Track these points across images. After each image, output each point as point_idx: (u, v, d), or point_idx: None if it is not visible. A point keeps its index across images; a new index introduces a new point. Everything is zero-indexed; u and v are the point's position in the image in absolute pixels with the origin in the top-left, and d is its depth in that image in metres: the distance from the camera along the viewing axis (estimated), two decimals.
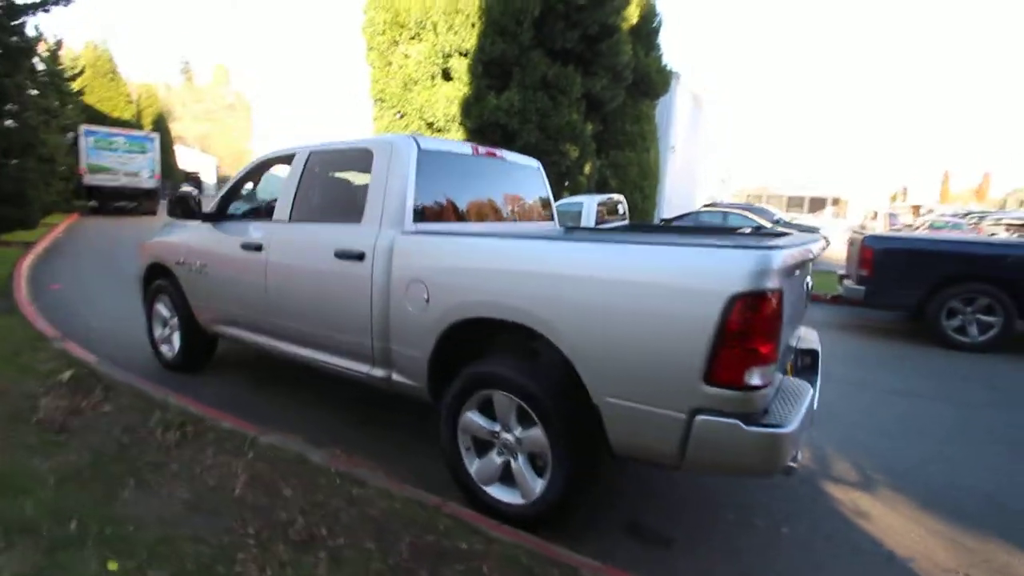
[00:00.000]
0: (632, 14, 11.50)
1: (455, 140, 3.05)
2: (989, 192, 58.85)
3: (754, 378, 1.68)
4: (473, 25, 10.34)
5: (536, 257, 2.06)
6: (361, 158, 2.88)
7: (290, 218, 3.10)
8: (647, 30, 12.56)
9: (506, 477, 2.28)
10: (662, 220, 15.55)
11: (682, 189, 20.40)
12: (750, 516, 2.45)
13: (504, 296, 2.10)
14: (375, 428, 3.27)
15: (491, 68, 10.55)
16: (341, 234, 2.77)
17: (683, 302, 1.74)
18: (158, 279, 4.04)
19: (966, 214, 30.83)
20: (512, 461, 2.25)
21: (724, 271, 1.69)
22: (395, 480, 2.43)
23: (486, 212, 3.17)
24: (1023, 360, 5.20)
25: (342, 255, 2.70)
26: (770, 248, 1.70)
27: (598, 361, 1.91)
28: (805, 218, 18.48)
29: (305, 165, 3.14)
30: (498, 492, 2.28)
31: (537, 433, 2.11)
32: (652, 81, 12.80)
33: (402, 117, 13.54)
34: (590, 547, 2.10)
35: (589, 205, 7.79)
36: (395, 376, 2.62)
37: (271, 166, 3.69)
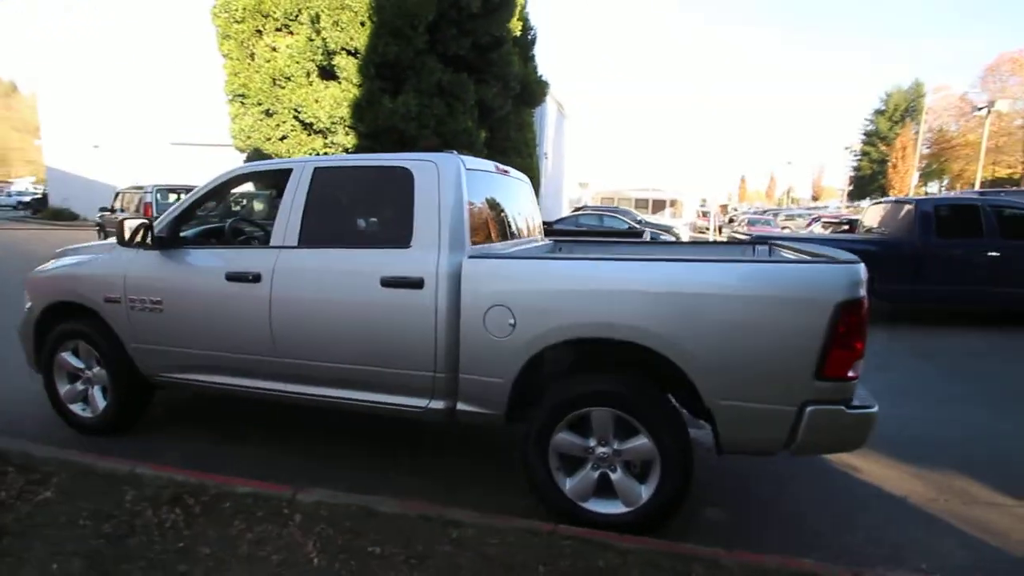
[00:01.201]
0: (516, 26, 11.94)
1: (479, 159, 2.98)
2: (775, 192, 72.63)
3: (853, 370, 2.01)
4: (363, 24, 9.82)
5: (647, 278, 2.17)
6: (393, 176, 2.68)
7: (300, 243, 2.75)
8: (524, 41, 13.14)
9: (600, 489, 2.35)
10: (544, 224, 16.35)
11: (552, 194, 21.68)
12: (766, 484, 2.85)
13: (616, 316, 2.17)
14: (391, 465, 3.06)
15: (384, 70, 10.13)
16: (385, 260, 2.55)
17: (796, 312, 2.00)
18: (63, 322, 3.24)
19: (764, 211, 37.94)
20: (610, 473, 2.32)
21: (829, 283, 1.99)
22: (489, 513, 2.34)
23: (507, 229, 3.16)
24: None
25: (392, 283, 2.49)
26: (854, 262, 2.04)
27: (714, 369, 2.09)
28: (656, 218, 20.97)
29: (311, 183, 2.81)
30: (597, 505, 2.34)
31: (641, 443, 2.23)
32: (532, 91, 13.42)
33: (271, 115, 12.28)
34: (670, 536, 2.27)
35: None
36: (461, 406, 2.50)
37: (244, 182, 3.19)
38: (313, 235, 2.75)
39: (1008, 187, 26.06)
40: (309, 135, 12.12)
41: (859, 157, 46.49)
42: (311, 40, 10.91)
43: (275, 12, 11.52)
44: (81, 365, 3.27)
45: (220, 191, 3.15)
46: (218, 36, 12.31)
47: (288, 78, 11.68)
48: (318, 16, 10.11)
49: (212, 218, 3.75)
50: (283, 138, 12.34)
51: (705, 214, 26.27)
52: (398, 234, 2.58)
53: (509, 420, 2.46)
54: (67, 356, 3.27)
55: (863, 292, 1.99)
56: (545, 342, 2.28)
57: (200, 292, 2.89)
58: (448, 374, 2.48)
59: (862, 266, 2.03)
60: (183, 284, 2.94)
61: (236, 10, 11.78)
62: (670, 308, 2.12)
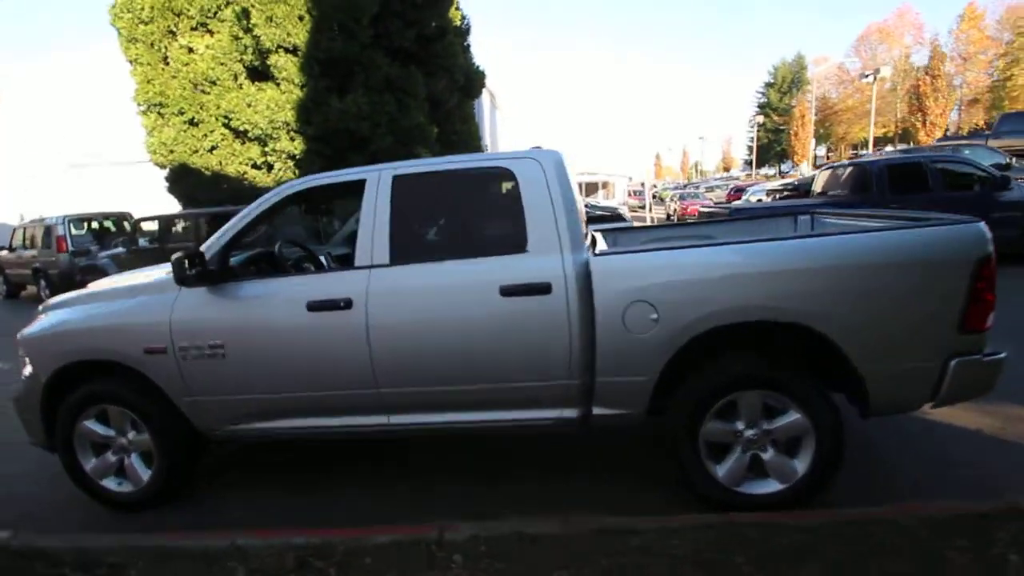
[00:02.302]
0: (455, 15, 11.64)
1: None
2: (687, 167, 76.91)
3: (989, 320, 2.16)
4: (301, 18, 9.14)
5: (799, 256, 2.20)
6: (491, 178, 2.52)
7: (393, 260, 2.51)
8: (460, 31, 12.86)
9: (750, 471, 2.37)
10: None
11: None
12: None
13: (770, 298, 2.18)
14: (490, 480, 2.92)
15: (329, 68, 9.52)
16: (501, 268, 2.40)
17: (940, 272, 2.12)
18: (82, 385, 2.78)
19: (686, 185, 40.02)
20: (761, 453, 2.35)
21: (967, 242, 2.12)
22: (659, 518, 2.29)
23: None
24: None
25: (515, 291, 2.35)
26: (977, 221, 2.18)
27: (867, 338, 2.17)
28: (594, 201, 21.42)
29: (393, 193, 2.57)
30: (751, 487, 2.36)
31: (793, 419, 2.27)
32: (473, 81, 13.20)
33: (196, 125, 11.19)
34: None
35: None
36: (598, 411, 2.42)
37: (299, 201, 2.87)
38: (407, 250, 2.53)
39: (883, 146, 29.01)
40: (243, 143, 11.17)
41: (755, 128, 50.15)
42: (237, 39, 10.01)
43: (189, 10, 10.45)
44: (111, 432, 2.81)
45: (271, 213, 2.81)
46: (122, 40, 10.99)
47: (213, 82, 10.66)
48: (246, 12, 9.28)
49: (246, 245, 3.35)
50: (212, 149, 11.30)
51: (638, 193, 27.29)
52: (510, 239, 2.44)
53: (648, 416, 2.42)
54: (91, 425, 2.80)
55: (992, 247, 2.13)
56: (692, 332, 2.25)
57: (274, 328, 2.58)
58: (583, 380, 2.38)
59: (984, 224, 2.17)
60: (251, 321, 2.61)
61: (142, 9, 10.56)
62: (824, 284, 2.16)
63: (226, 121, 10.89)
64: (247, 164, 11.26)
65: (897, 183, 6.89)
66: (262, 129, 10.23)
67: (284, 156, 10.60)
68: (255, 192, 11.33)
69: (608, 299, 2.30)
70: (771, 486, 2.35)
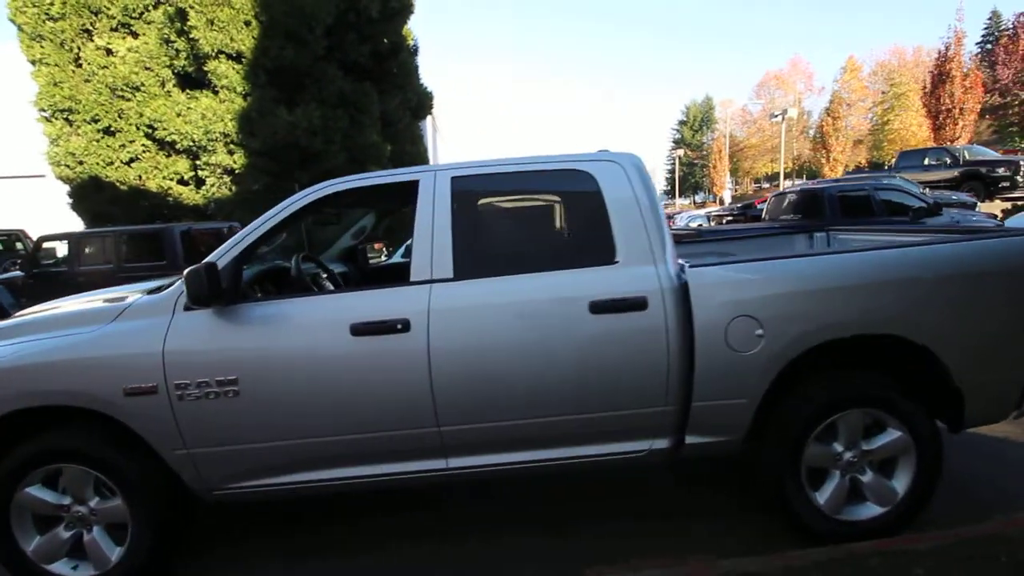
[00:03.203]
0: (408, 35, 11.38)
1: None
2: None
3: None
4: (248, 24, 8.45)
5: (913, 265, 2.12)
6: (567, 182, 2.27)
7: (457, 274, 2.17)
8: (411, 51, 12.60)
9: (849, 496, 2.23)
10: None
11: None
12: None
13: (878, 309, 2.07)
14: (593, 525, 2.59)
15: (278, 77, 8.85)
16: (588, 282, 2.13)
17: None
18: (27, 441, 2.16)
19: None
20: (860, 476, 2.22)
21: None
22: (782, 555, 2.06)
23: None
24: None
25: (607, 307, 2.09)
26: None
27: (964, 348, 2.11)
28: None
29: (453, 197, 2.24)
30: (852, 513, 2.22)
31: (894, 437, 2.16)
32: (422, 101, 12.92)
33: (112, 134, 9.97)
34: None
35: None
36: (691, 439, 2.19)
37: (331, 204, 2.44)
38: (473, 263, 2.19)
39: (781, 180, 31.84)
40: (169, 156, 10.08)
41: (675, 161, 53.76)
42: (168, 42, 9.09)
43: (110, 8, 9.39)
44: (65, 500, 2.18)
45: (292, 220, 2.36)
46: (23, 37, 9.64)
47: (136, 88, 9.58)
48: (182, 14, 8.45)
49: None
50: (132, 161, 10.11)
51: None
52: (595, 249, 2.18)
53: (744, 443, 2.22)
54: (36, 492, 2.16)
55: None
56: (800, 347, 2.09)
57: (307, 357, 2.13)
58: (678, 406, 2.14)
59: None
60: (275, 349, 2.14)
61: (51, 4, 9.34)
62: (926, 294, 2.10)
63: (149, 131, 9.79)
64: (172, 179, 10.16)
65: (847, 209, 7.42)
66: (195, 140, 9.28)
67: (219, 171, 9.66)
68: (180, 209, 10.22)
69: (709, 314, 2.09)
70: (872, 510, 2.21)
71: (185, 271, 2.00)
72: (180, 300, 2.16)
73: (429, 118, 20.55)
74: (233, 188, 9.65)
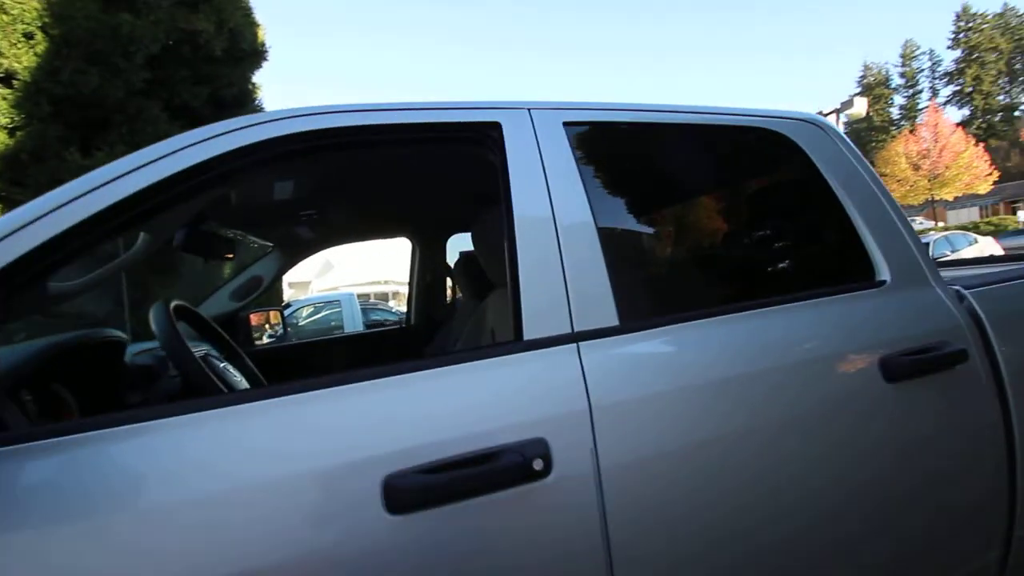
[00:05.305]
0: (257, 91, 9.77)
1: None
2: None
3: None
4: (30, 36, 6.19)
5: None
6: (753, 151, 1.32)
7: (623, 321, 1.01)
8: (259, 107, 10.92)
9: None
10: None
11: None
12: None
13: None
14: None
15: (71, 110, 6.57)
16: (858, 322, 1.15)
17: None
18: None
19: None
20: None
21: None
22: None
23: None
24: None
25: (911, 366, 1.12)
26: None
27: None
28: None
29: (578, 166, 1.13)
30: None
31: None
32: None
33: None
34: None
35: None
36: None
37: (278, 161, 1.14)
38: (652, 295, 1.07)
39: None
40: None
41: None
42: None
43: None
44: None
45: (176, 194, 1.01)
46: None
47: None
48: None
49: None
50: None
51: None
52: (838, 262, 1.23)
53: None
54: None
55: None
56: None
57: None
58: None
59: None
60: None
61: None
62: None
63: None
64: None
65: None
66: None
67: None
68: None
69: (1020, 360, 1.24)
70: None
71: None
72: None
73: None
74: None
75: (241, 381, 1.40)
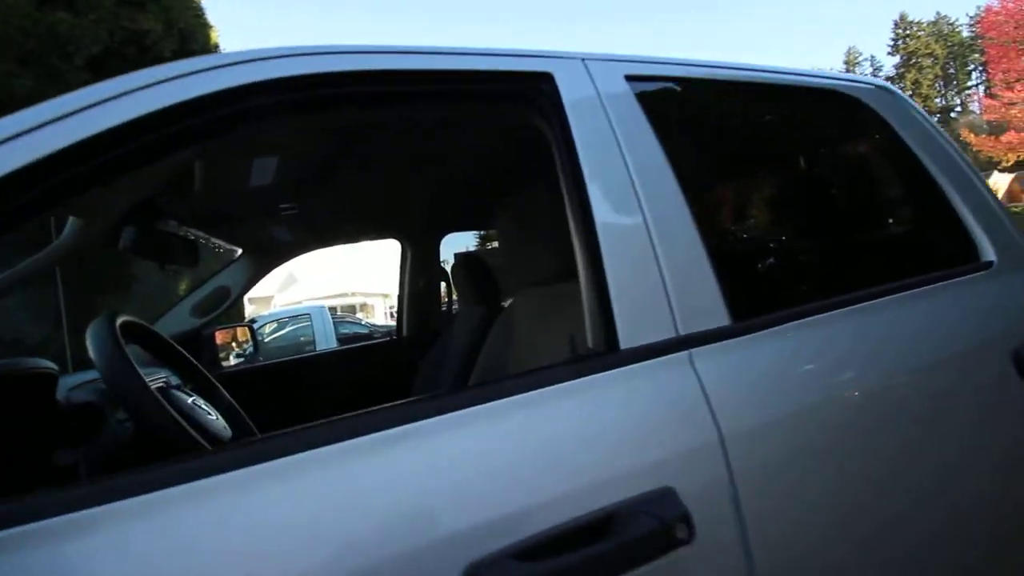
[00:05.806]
0: None
1: None
2: None
3: None
4: None
5: None
6: (825, 117, 1.13)
7: (734, 320, 0.75)
8: None
9: None
10: None
11: None
12: None
13: None
14: None
15: (1, 113, 5.94)
16: (972, 308, 0.95)
17: None
18: None
19: None
20: None
21: None
22: None
23: None
24: None
25: None
26: None
27: None
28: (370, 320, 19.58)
29: (656, 130, 0.88)
30: None
31: None
32: None
33: None
34: None
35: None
36: None
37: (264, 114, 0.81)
38: (762, 285, 0.83)
39: None
40: None
41: None
42: None
43: None
44: None
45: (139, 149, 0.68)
46: None
47: None
48: None
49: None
50: None
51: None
52: (934, 241, 1.04)
53: None
54: None
55: None
56: None
57: None
58: None
59: None
60: None
61: None
62: None
63: None
64: None
65: None
66: None
67: None
68: None
69: None
70: None
71: None
72: None
73: None
74: None
75: (217, 420, 1.08)
